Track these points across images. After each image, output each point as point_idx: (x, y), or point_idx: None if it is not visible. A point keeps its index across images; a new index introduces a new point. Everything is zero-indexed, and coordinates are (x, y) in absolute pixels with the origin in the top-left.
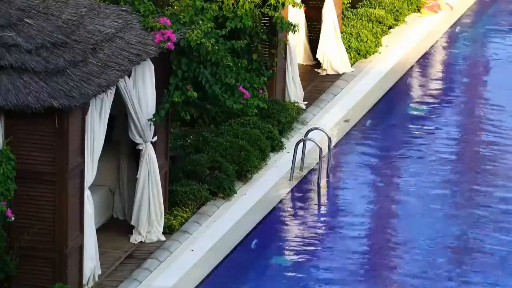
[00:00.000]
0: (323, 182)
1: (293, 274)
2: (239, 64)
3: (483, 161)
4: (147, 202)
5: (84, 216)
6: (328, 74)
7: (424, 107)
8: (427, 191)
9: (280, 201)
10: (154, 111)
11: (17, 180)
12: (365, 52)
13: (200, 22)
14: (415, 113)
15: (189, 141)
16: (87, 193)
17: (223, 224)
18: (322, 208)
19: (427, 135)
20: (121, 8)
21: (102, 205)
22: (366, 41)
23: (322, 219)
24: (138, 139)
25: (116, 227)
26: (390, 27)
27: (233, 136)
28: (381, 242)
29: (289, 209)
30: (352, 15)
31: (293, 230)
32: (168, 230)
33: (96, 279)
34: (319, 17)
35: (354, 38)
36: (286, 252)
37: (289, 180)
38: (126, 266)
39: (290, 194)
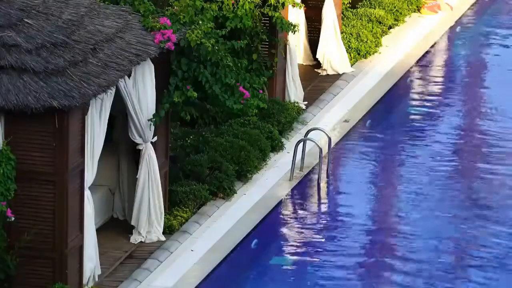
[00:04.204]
0: (323, 182)
1: (293, 274)
2: (239, 64)
3: (483, 160)
4: (147, 202)
5: (84, 216)
6: (328, 74)
7: (424, 107)
8: (427, 191)
9: (280, 201)
10: (154, 111)
11: (17, 180)
12: (365, 52)
13: (200, 22)
14: (414, 113)
15: (189, 141)
16: (87, 193)
17: (223, 224)
18: (322, 208)
19: (427, 135)
20: (121, 8)
21: (102, 205)
22: (366, 41)
23: (322, 219)
24: (138, 139)
25: (116, 227)
26: (390, 27)
27: (233, 136)
28: (381, 242)
29: (289, 209)
30: (352, 15)
31: (293, 230)
32: (168, 230)
33: (96, 279)
34: (319, 17)
35: (354, 38)
36: (286, 252)
37: (289, 180)
38: (126, 266)
39: (290, 194)
